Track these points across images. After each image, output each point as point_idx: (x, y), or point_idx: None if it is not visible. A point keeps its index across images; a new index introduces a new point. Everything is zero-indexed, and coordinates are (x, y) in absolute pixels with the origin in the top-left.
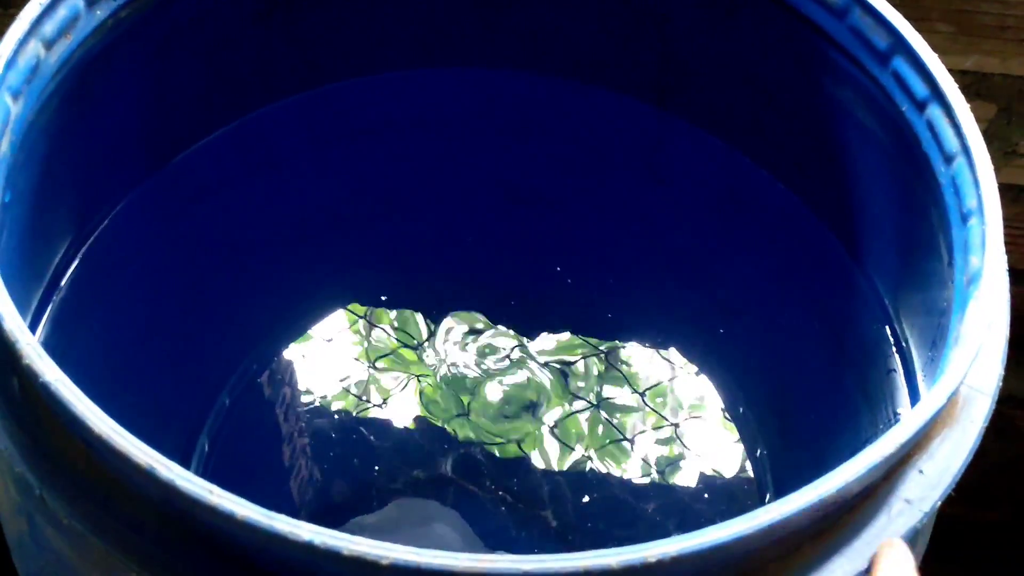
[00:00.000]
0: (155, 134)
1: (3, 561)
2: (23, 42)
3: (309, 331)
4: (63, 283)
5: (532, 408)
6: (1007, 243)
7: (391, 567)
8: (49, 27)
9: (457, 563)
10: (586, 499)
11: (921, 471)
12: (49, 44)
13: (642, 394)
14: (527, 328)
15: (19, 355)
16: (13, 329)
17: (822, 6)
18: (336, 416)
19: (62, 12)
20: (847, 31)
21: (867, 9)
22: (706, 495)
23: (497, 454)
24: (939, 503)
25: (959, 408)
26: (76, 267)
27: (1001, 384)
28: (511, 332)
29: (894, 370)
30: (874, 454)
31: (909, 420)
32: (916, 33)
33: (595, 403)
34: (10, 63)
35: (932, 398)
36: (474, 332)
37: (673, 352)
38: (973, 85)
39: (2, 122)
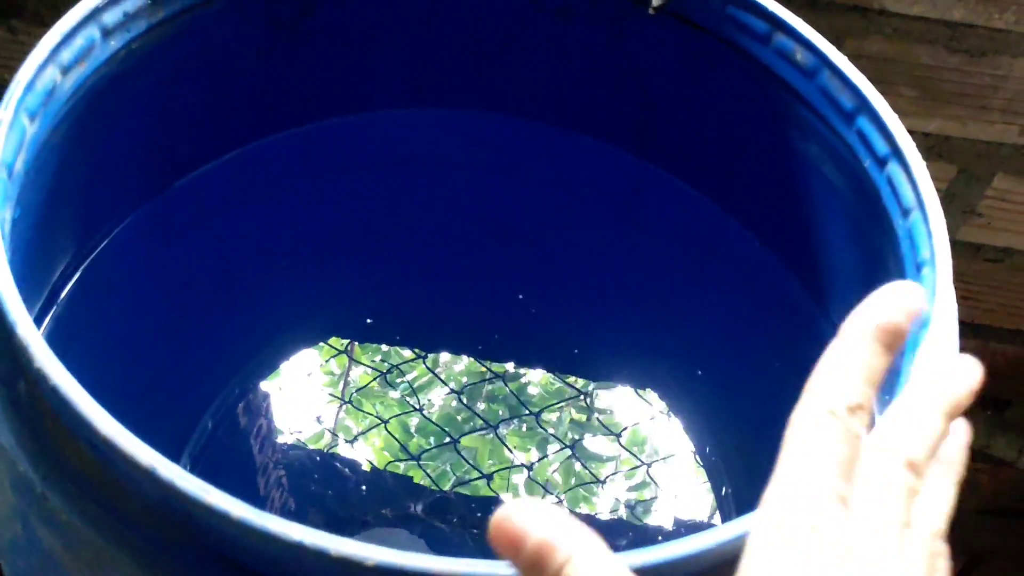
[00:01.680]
0: (157, 159)
1: None
2: (42, 68)
3: (290, 360)
4: (60, 300)
5: (505, 447)
6: (967, 298)
7: (376, 568)
8: (66, 54)
9: (437, 565)
10: None
11: None
12: (65, 70)
13: (617, 435)
14: (504, 365)
15: (31, 358)
16: (26, 335)
17: (794, 66)
18: (311, 448)
19: (79, 41)
20: (816, 91)
21: (835, 72)
22: (676, 534)
23: (467, 492)
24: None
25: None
26: (73, 285)
27: None
28: (488, 369)
29: None
30: None
31: None
32: (879, 95)
33: (569, 445)
34: (29, 86)
35: None
36: (451, 367)
37: (647, 393)
38: (935, 147)
39: (18, 142)
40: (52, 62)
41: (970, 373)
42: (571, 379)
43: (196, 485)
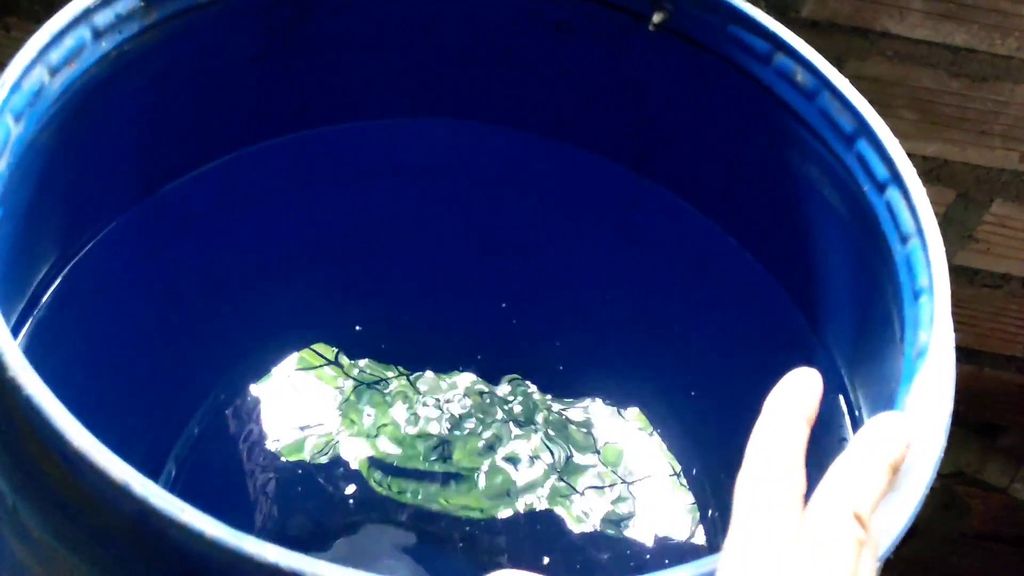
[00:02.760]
0: (145, 163)
1: None
2: (29, 68)
3: (276, 367)
4: (43, 302)
5: (491, 455)
6: (962, 323)
7: None
8: (55, 55)
9: None
10: (544, 555)
11: None
12: (54, 71)
13: (596, 451)
14: (493, 377)
15: (4, 367)
16: None
17: (794, 87)
18: (297, 455)
19: (69, 42)
20: (816, 112)
21: (835, 93)
22: (659, 552)
23: (452, 508)
24: (879, 565)
25: (900, 475)
26: (56, 287)
27: (947, 458)
28: (477, 380)
29: (845, 439)
30: None
31: None
32: (879, 119)
33: (552, 460)
34: (15, 87)
35: None
36: (439, 378)
37: (631, 411)
38: (934, 171)
39: (3, 142)
40: (40, 62)
41: (909, 430)
42: (559, 395)
43: (170, 503)
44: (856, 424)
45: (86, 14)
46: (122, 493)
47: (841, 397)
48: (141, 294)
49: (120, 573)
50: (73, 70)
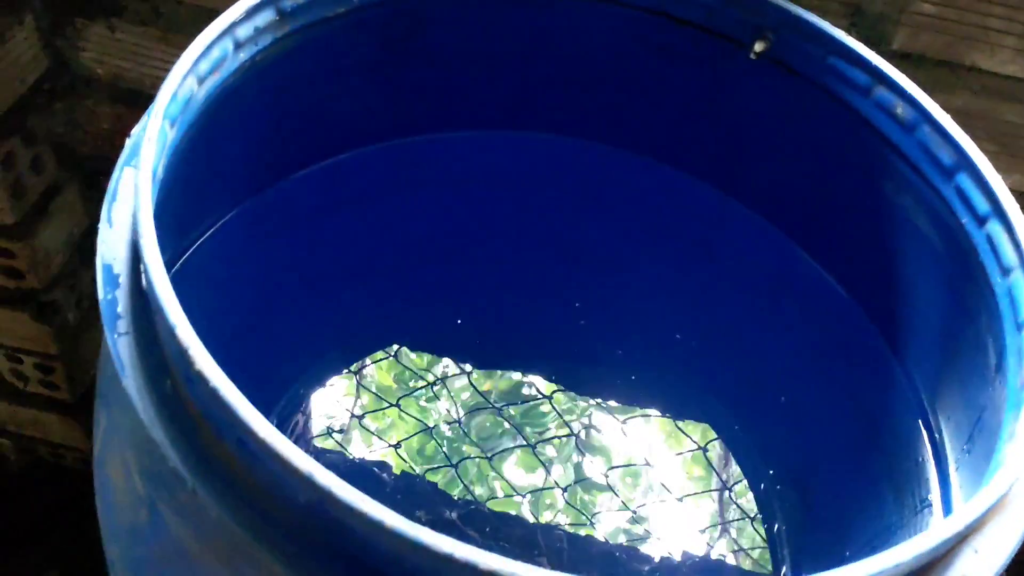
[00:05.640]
0: (256, 165)
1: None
2: (184, 78)
3: (353, 365)
4: None
5: (544, 464)
6: None
7: None
8: (204, 65)
9: None
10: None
11: (976, 550)
12: (201, 80)
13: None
14: (559, 385)
15: (191, 361)
16: (185, 338)
17: (893, 119)
18: (352, 452)
19: (216, 53)
20: (915, 144)
21: (936, 127)
22: (723, 561)
23: (497, 507)
24: None
25: (1011, 495)
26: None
27: None
28: (539, 386)
29: (925, 460)
30: (943, 531)
31: (971, 506)
32: (981, 153)
33: (606, 471)
34: (173, 96)
35: (992, 488)
36: (503, 382)
37: (700, 425)
38: None
39: (161, 147)
40: (192, 72)
41: None
42: (621, 406)
43: (353, 494)
44: (936, 448)
45: (231, 27)
46: (306, 482)
47: (920, 422)
48: (237, 291)
49: (290, 554)
50: (216, 79)
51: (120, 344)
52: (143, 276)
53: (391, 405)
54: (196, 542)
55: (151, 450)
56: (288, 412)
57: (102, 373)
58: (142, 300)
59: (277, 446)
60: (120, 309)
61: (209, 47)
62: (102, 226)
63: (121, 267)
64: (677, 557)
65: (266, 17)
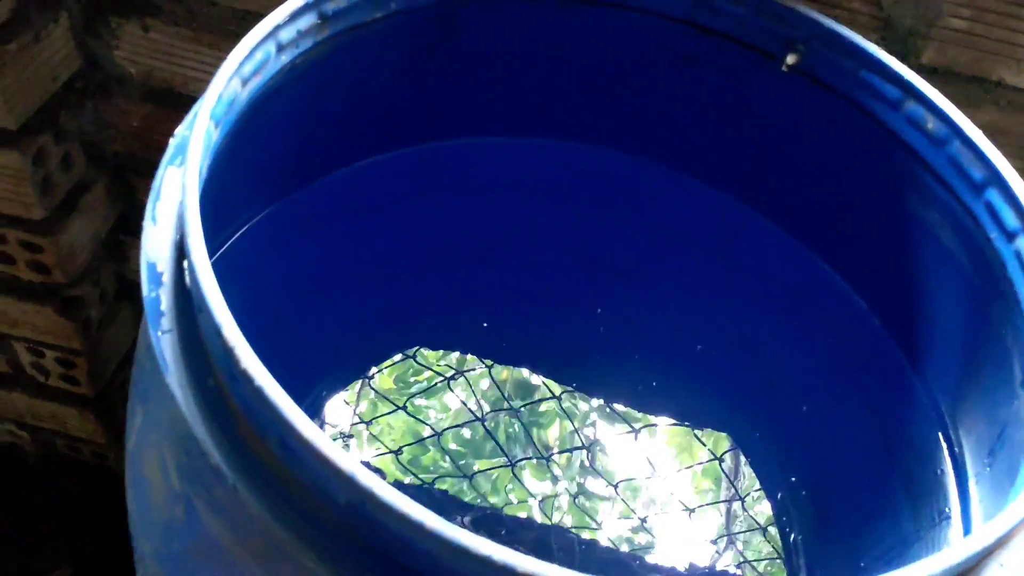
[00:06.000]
0: (285, 167)
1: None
2: (230, 79)
3: (376, 366)
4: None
5: (556, 469)
6: None
7: None
8: (248, 67)
9: None
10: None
11: (1002, 564)
12: (244, 82)
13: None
14: (574, 390)
15: (236, 360)
16: (231, 337)
17: (923, 134)
18: (372, 456)
19: (259, 55)
20: (945, 159)
21: (966, 142)
22: (734, 569)
23: (513, 511)
24: None
25: None
26: None
27: None
28: (556, 392)
29: (944, 472)
30: (971, 545)
31: (999, 521)
32: (1012, 169)
33: (615, 483)
34: (219, 97)
35: (1020, 502)
36: (518, 386)
37: (716, 433)
38: None
39: (207, 147)
40: (237, 74)
41: None
42: (637, 414)
43: (395, 495)
44: (956, 460)
45: (275, 30)
46: (348, 482)
47: (940, 434)
48: (262, 293)
49: (327, 552)
50: (258, 81)
51: (163, 341)
52: (187, 274)
53: (397, 409)
54: (232, 539)
55: (191, 447)
56: (310, 415)
57: (139, 369)
58: (185, 298)
59: (320, 446)
60: (163, 307)
61: (254, 49)
62: (146, 224)
63: (164, 265)
64: (696, 565)
65: (308, 20)
